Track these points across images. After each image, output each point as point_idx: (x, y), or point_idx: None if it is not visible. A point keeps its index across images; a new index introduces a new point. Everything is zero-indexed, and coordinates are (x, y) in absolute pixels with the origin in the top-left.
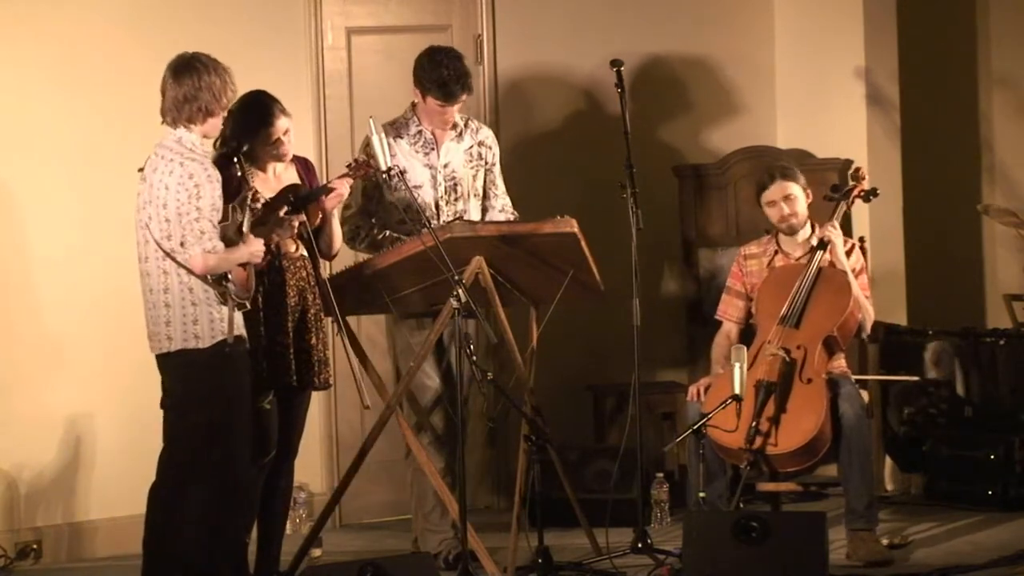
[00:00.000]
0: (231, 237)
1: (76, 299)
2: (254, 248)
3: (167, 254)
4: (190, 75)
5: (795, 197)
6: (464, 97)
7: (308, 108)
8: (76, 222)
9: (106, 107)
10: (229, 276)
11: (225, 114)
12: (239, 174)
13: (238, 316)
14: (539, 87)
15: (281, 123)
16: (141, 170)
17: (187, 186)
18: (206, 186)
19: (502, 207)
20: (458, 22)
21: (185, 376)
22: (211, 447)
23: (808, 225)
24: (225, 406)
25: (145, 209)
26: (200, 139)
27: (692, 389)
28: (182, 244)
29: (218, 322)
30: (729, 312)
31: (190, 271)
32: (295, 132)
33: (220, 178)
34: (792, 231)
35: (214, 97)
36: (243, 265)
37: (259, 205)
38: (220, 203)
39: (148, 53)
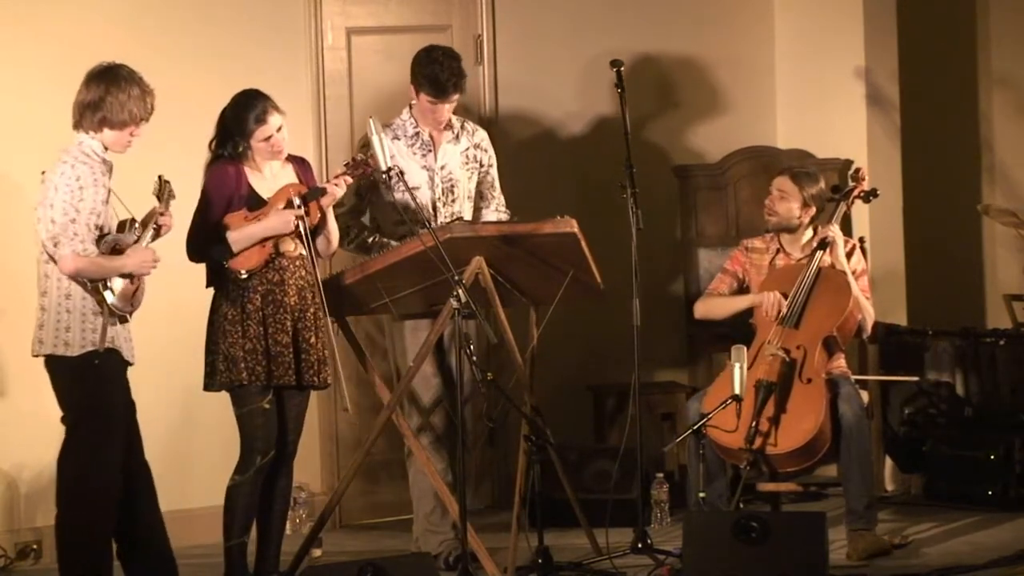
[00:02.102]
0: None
1: None
2: (139, 260)
3: (50, 257)
4: (99, 84)
5: (785, 197)
6: (456, 96)
7: (308, 108)
8: None
9: None
10: (110, 285)
11: (135, 130)
12: (155, 192)
13: (118, 329)
14: (539, 87)
15: (274, 120)
16: (44, 173)
17: (72, 188)
18: (90, 190)
19: (496, 207)
20: (458, 22)
21: (57, 383)
22: (79, 459)
23: (809, 227)
24: (90, 418)
25: (37, 210)
26: (101, 147)
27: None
28: (56, 244)
29: (90, 332)
30: (720, 288)
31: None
32: (294, 132)
33: (108, 185)
34: (769, 224)
35: (116, 111)
36: (130, 277)
37: (163, 230)
38: (101, 208)
39: (149, 54)
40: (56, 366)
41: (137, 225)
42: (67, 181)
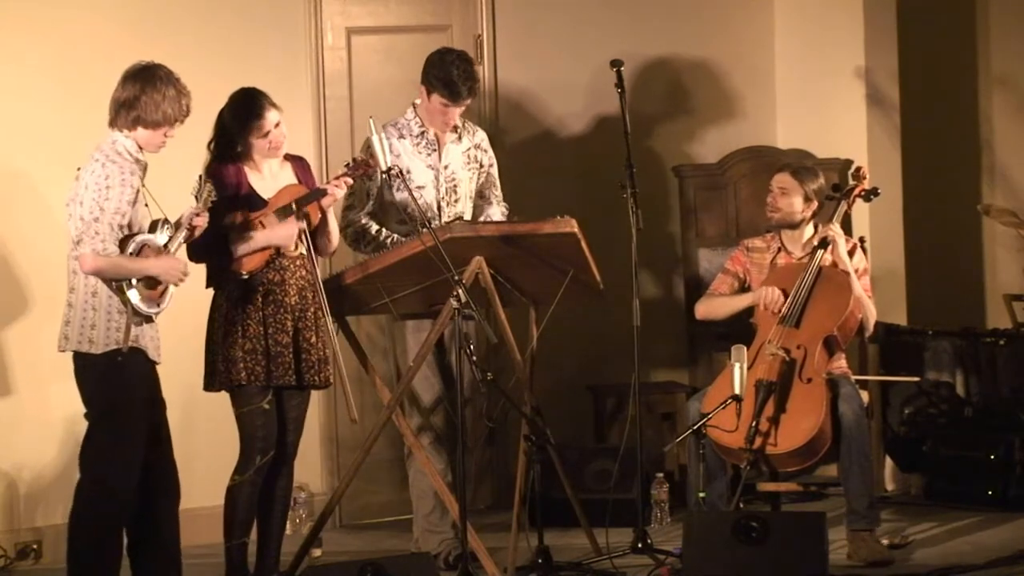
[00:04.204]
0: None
1: None
2: (166, 266)
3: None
4: (135, 83)
5: (787, 193)
6: (468, 101)
7: (308, 108)
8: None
9: (108, 108)
10: (134, 285)
11: (170, 130)
12: (194, 192)
13: (144, 328)
14: (539, 87)
15: (271, 116)
16: (79, 169)
17: (100, 186)
18: (116, 189)
19: (498, 202)
20: (458, 22)
21: (80, 380)
22: (98, 455)
23: (810, 226)
24: (110, 416)
25: (68, 206)
26: (135, 146)
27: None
28: (79, 242)
29: (114, 331)
30: (721, 289)
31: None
32: (294, 132)
33: (136, 185)
34: (772, 221)
35: (151, 111)
36: (156, 280)
37: (197, 230)
38: (126, 209)
39: (149, 54)
40: (80, 362)
41: (169, 226)
42: (96, 180)
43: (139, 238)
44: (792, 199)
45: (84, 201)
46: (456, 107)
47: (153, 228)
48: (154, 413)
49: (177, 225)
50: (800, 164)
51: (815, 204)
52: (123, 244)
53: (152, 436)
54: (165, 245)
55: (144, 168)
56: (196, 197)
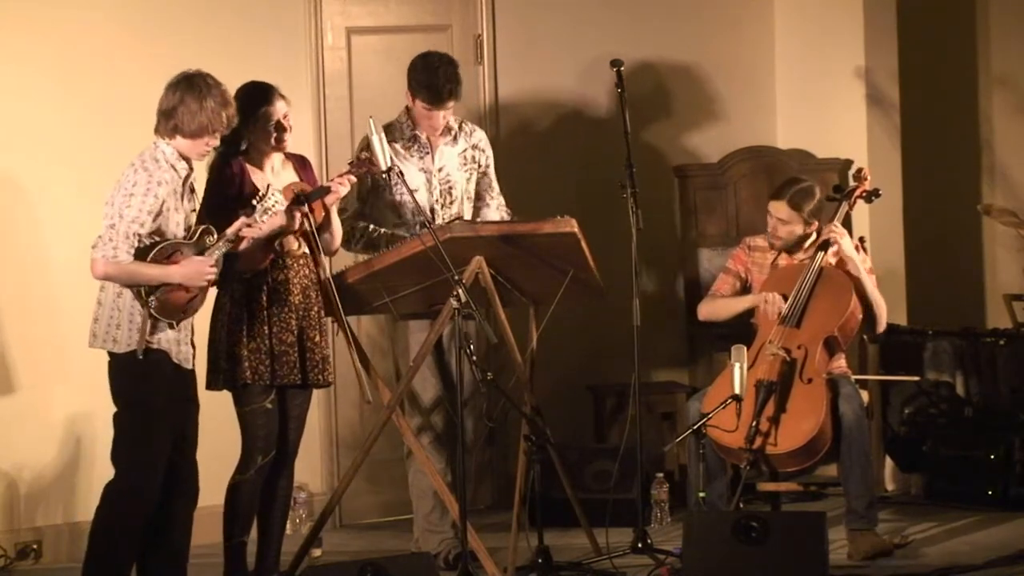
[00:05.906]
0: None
1: (76, 299)
2: (189, 271)
3: None
4: (175, 92)
5: (786, 223)
6: (451, 104)
7: (308, 108)
8: (80, 225)
9: (108, 108)
10: (155, 292)
11: (211, 139)
12: (256, 202)
13: (168, 333)
14: (539, 87)
15: (280, 105)
16: None
17: (127, 192)
18: (139, 197)
19: (497, 206)
20: (458, 22)
21: (109, 377)
22: (120, 453)
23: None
24: (130, 415)
25: (105, 207)
26: (174, 153)
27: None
28: (94, 246)
29: (135, 332)
30: (723, 289)
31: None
32: (294, 131)
33: (162, 196)
34: (774, 246)
35: (188, 120)
36: (183, 288)
37: (244, 242)
38: (146, 218)
39: (149, 54)
40: (109, 360)
41: (211, 234)
42: (125, 184)
43: (168, 244)
44: (792, 227)
45: (114, 203)
46: (439, 110)
47: (193, 236)
48: (181, 414)
49: (220, 235)
50: (795, 188)
51: (816, 223)
52: (147, 250)
53: (177, 437)
54: (200, 252)
55: (186, 177)
56: (256, 204)
